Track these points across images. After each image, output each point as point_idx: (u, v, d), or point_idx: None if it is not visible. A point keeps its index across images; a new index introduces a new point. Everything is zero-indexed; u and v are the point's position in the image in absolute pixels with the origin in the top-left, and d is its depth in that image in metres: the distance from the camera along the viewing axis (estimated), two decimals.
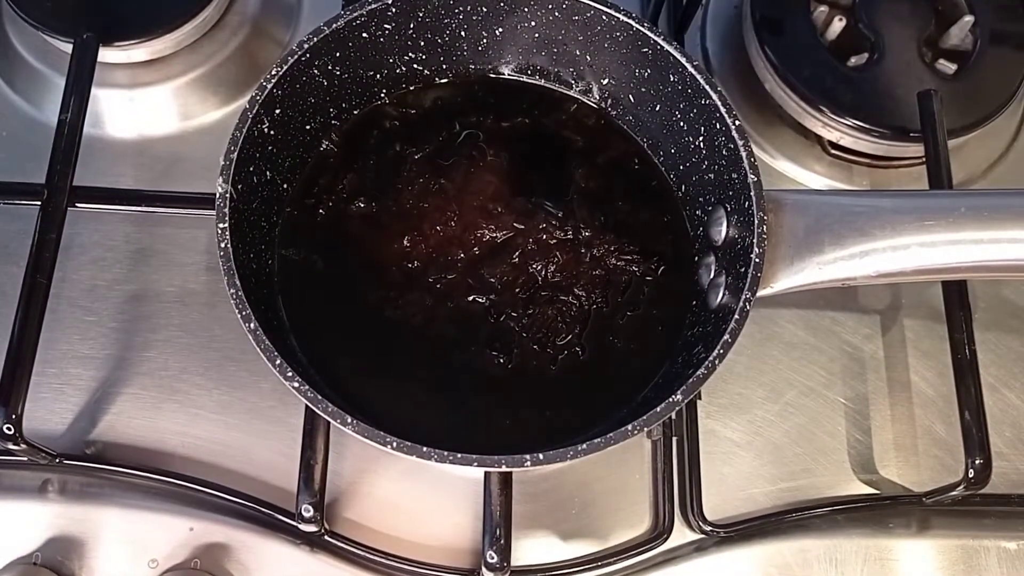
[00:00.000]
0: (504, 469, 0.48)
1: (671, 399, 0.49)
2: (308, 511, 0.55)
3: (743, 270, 0.53)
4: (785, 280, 0.53)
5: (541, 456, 0.48)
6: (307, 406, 0.57)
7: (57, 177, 0.60)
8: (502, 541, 0.54)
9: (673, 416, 0.62)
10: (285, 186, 0.61)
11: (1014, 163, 0.76)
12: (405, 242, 0.60)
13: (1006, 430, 0.66)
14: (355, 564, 0.58)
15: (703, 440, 0.62)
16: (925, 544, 0.61)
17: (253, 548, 0.57)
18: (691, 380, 0.50)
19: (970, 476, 0.58)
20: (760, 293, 0.52)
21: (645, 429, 0.49)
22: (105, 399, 0.62)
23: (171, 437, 0.61)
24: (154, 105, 0.69)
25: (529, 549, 0.60)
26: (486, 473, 0.56)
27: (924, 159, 0.67)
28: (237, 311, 0.50)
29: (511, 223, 0.61)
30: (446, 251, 0.60)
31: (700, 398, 0.63)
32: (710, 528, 0.60)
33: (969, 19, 0.73)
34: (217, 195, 0.52)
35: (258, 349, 0.49)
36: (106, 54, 0.66)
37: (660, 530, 0.61)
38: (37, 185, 0.60)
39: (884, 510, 0.63)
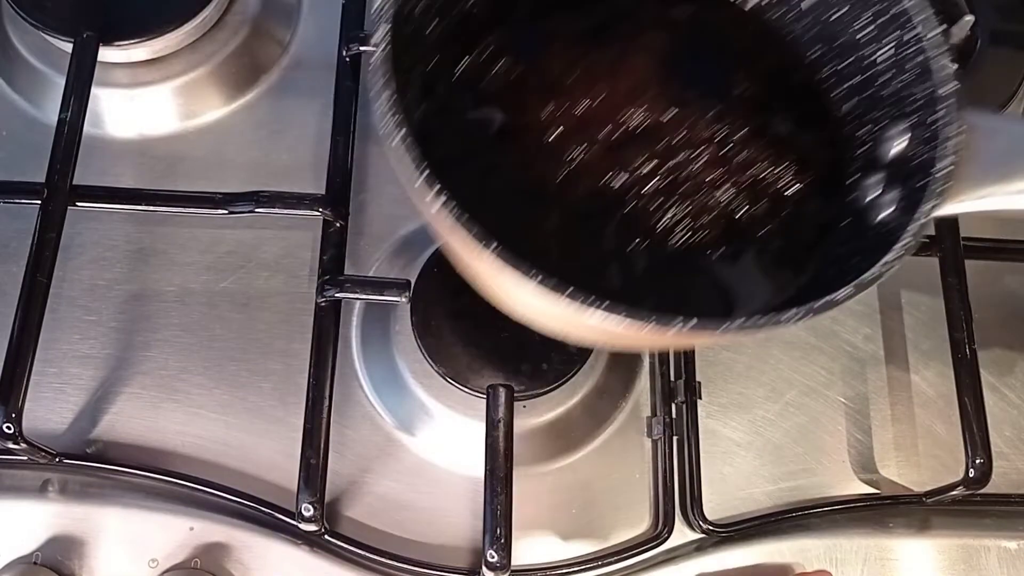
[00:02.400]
0: (652, 326, 0.43)
1: (834, 296, 0.44)
2: (308, 510, 0.55)
3: (918, 186, 0.48)
4: (970, 203, 0.49)
5: (694, 321, 0.43)
6: (308, 403, 0.58)
7: (57, 176, 0.60)
8: (503, 540, 0.54)
9: (680, 414, 0.62)
10: (429, 31, 0.54)
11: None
12: (550, 108, 0.56)
13: (1006, 430, 0.66)
14: (355, 564, 0.58)
15: (703, 440, 0.62)
16: (925, 544, 0.61)
17: (253, 547, 0.57)
18: (864, 277, 0.45)
19: (970, 475, 0.58)
20: (940, 212, 0.48)
21: (803, 320, 0.44)
22: (105, 398, 0.61)
23: (171, 436, 0.61)
24: (154, 104, 0.69)
25: (529, 549, 0.60)
26: (487, 472, 0.56)
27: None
28: (388, 115, 0.43)
29: (662, 110, 0.57)
30: (590, 126, 0.56)
31: (700, 397, 0.63)
32: (710, 527, 0.60)
33: (969, 19, 0.73)
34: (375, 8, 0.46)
35: (404, 159, 0.43)
36: (106, 53, 0.66)
37: (660, 530, 0.61)
38: (37, 184, 0.60)
39: (884, 510, 0.63)
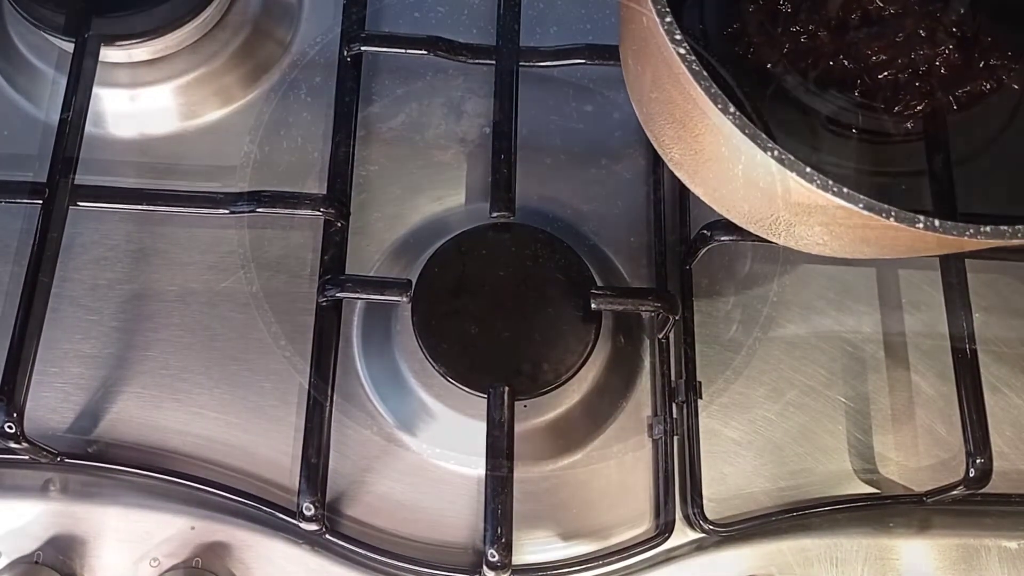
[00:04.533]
0: (893, 222, 0.40)
1: None
2: (309, 510, 0.55)
3: None
4: None
5: (937, 223, 0.40)
6: (309, 403, 0.58)
7: (59, 176, 0.60)
8: (503, 539, 0.54)
9: (681, 414, 0.62)
10: None
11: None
12: None
13: (1007, 429, 0.66)
14: (356, 563, 0.58)
15: (704, 439, 0.62)
16: (926, 543, 0.61)
17: (254, 547, 0.57)
18: None
19: (971, 475, 0.58)
20: None
21: None
22: (106, 398, 0.62)
23: (172, 436, 0.61)
24: (155, 105, 0.69)
25: (530, 548, 0.60)
26: (487, 472, 0.56)
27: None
28: None
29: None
30: (824, 4, 0.56)
31: (701, 397, 0.63)
32: (711, 527, 0.60)
33: None
34: None
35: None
36: (108, 53, 0.66)
37: (661, 529, 0.61)
38: (39, 184, 0.60)
39: (885, 509, 0.63)
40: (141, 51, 0.68)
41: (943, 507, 0.62)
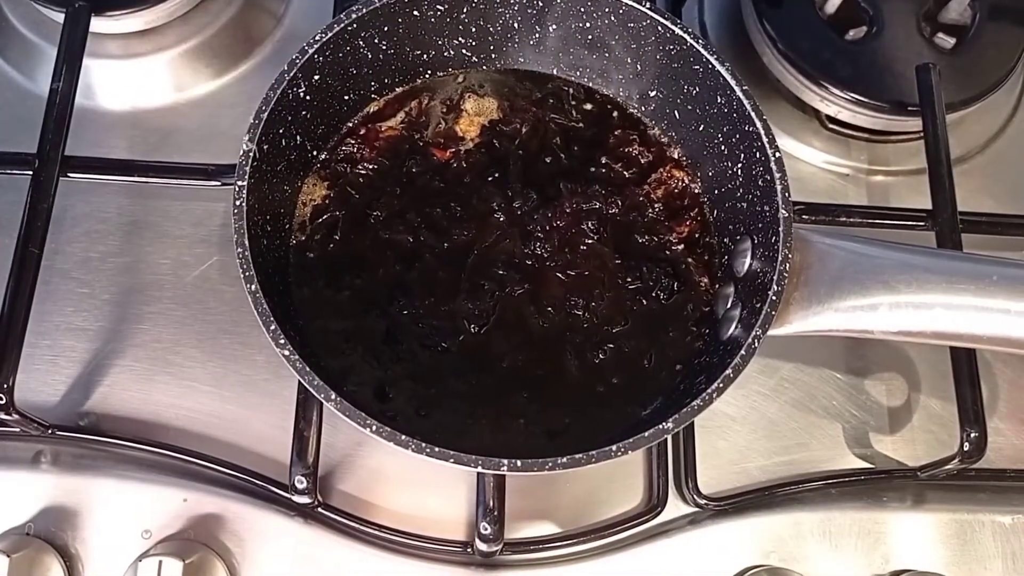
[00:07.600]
0: (479, 470, 0.48)
1: (662, 426, 0.49)
2: (301, 483, 0.55)
3: (759, 306, 0.52)
4: (800, 323, 0.52)
5: (519, 463, 0.48)
6: None
7: (49, 147, 0.59)
8: (496, 513, 0.54)
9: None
10: (315, 152, 0.60)
11: (1012, 139, 0.75)
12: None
13: (1001, 405, 0.66)
14: (348, 536, 0.58)
15: None
16: (919, 518, 0.61)
17: (247, 519, 0.57)
18: (684, 410, 0.50)
19: (965, 449, 0.58)
20: (772, 332, 0.51)
21: (630, 452, 0.49)
22: (98, 371, 0.61)
23: (165, 409, 0.61)
24: (147, 76, 0.69)
25: (523, 522, 0.60)
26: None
27: (922, 133, 0.66)
28: (241, 271, 0.49)
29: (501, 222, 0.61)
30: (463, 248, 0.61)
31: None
32: (704, 501, 0.60)
33: None
34: (241, 152, 0.52)
35: (255, 312, 0.48)
36: (98, 24, 0.66)
37: (654, 503, 0.60)
38: (28, 155, 0.59)
39: (879, 484, 0.63)
40: (132, 21, 0.67)
41: (937, 482, 0.62)
